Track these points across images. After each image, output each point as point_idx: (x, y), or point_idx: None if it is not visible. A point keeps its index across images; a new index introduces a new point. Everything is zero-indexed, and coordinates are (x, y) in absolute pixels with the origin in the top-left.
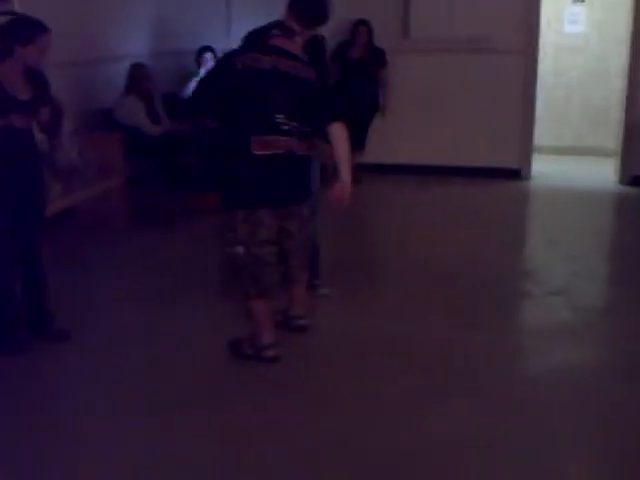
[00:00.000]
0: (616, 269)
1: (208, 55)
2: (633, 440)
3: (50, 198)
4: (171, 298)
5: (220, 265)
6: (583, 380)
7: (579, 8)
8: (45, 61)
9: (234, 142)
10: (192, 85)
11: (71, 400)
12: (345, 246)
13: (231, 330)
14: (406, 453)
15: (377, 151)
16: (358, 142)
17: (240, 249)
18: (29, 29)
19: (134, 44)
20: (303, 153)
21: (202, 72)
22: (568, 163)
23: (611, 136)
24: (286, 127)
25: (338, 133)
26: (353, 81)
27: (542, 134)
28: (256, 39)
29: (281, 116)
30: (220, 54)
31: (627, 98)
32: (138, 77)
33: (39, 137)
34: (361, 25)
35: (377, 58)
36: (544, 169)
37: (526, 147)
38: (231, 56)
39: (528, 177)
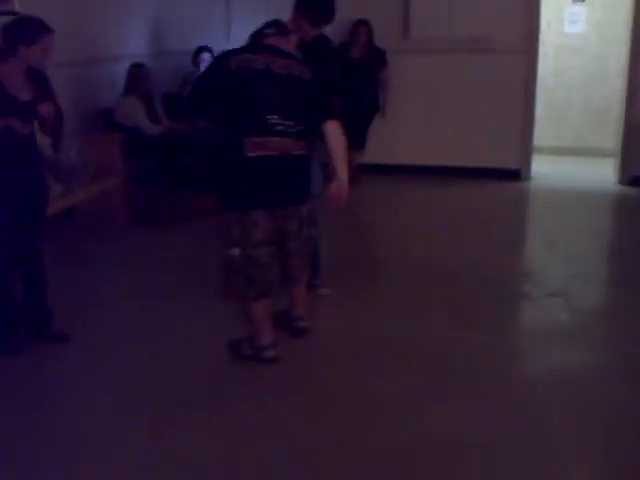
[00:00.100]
0: (615, 271)
1: (205, 55)
2: (633, 440)
3: (50, 198)
4: (172, 296)
5: (219, 266)
6: (582, 381)
7: (579, 8)
8: (48, 61)
9: (228, 143)
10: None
11: (71, 400)
12: (345, 246)
13: (231, 329)
14: (406, 453)
15: (377, 151)
16: (358, 142)
17: (236, 251)
18: (33, 29)
19: (134, 44)
20: (299, 153)
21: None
22: (568, 163)
23: (611, 136)
24: (280, 127)
25: (333, 131)
26: (353, 81)
27: (542, 134)
28: (253, 39)
29: (274, 117)
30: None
31: (627, 98)
32: (138, 77)
33: (41, 140)
34: (361, 25)
35: (377, 58)
36: (544, 169)
37: (526, 147)
38: (225, 57)
39: (528, 177)
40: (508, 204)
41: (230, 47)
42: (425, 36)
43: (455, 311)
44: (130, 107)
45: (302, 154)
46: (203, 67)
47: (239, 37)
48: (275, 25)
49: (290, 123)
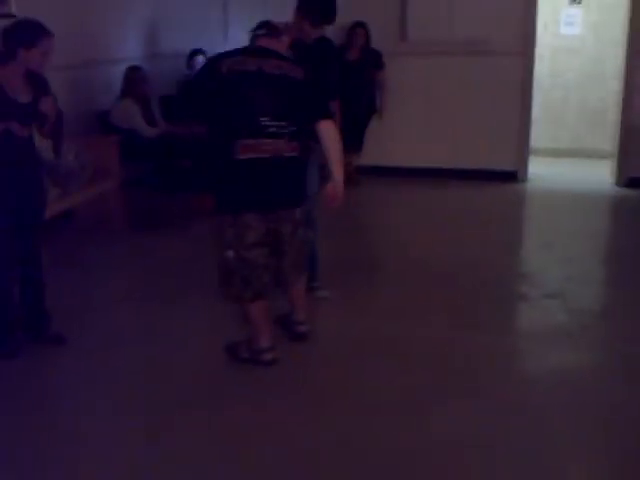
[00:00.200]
0: (612, 272)
1: (200, 58)
2: (632, 440)
3: (48, 201)
4: (169, 299)
5: (217, 267)
6: (581, 381)
7: (575, 10)
8: (47, 65)
9: (219, 146)
10: None
11: (71, 400)
12: (344, 247)
13: (229, 331)
14: (406, 453)
15: (374, 153)
16: (355, 144)
17: (230, 253)
18: (32, 33)
19: (131, 47)
20: (292, 155)
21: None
22: (565, 165)
23: (608, 138)
24: (272, 129)
25: (327, 131)
26: (350, 83)
27: (539, 136)
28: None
29: (266, 118)
30: None
31: (624, 100)
32: (134, 80)
33: (40, 143)
34: (358, 27)
35: (374, 60)
36: (541, 171)
37: (523, 149)
38: (216, 60)
39: (525, 179)
40: (505, 205)
41: (228, 49)
42: (422, 38)
43: (454, 312)
44: (127, 110)
45: (295, 156)
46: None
47: (236, 39)
48: (266, 26)
49: (283, 124)
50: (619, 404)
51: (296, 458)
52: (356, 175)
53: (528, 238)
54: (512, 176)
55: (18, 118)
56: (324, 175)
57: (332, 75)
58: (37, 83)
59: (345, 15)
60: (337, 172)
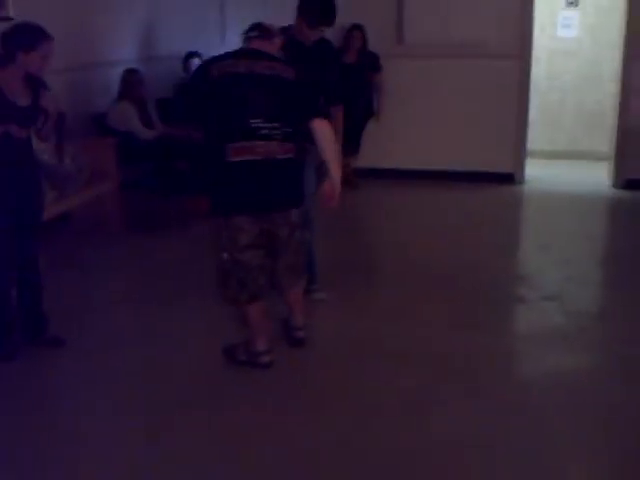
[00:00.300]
0: (610, 273)
1: (196, 61)
2: (631, 440)
3: (45, 203)
4: (168, 300)
5: (215, 270)
6: (579, 383)
7: (572, 12)
8: (47, 68)
9: (212, 148)
10: None
11: (70, 401)
12: (341, 249)
13: (228, 332)
14: (406, 453)
15: (371, 156)
16: (352, 147)
17: (225, 255)
18: (32, 36)
19: (128, 49)
20: (285, 157)
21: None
22: (562, 167)
23: (605, 140)
24: (265, 131)
25: (321, 129)
26: (347, 86)
27: (536, 138)
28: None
29: (258, 120)
30: None
31: (620, 102)
32: (131, 82)
33: (37, 146)
34: (355, 30)
35: (371, 63)
36: (538, 173)
37: (520, 151)
38: (208, 63)
39: (522, 181)
40: (503, 208)
41: (224, 52)
42: (419, 41)
43: (453, 313)
44: (124, 112)
45: (289, 158)
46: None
47: (234, 41)
48: (258, 28)
49: (276, 125)
50: (617, 405)
51: (296, 458)
52: (354, 178)
53: (526, 240)
54: (509, 178)
55: (17, 121)
56: (321, 175)
57: (332, 77)
58: (36, 87)
59: (342, 18)
60: (334, 171)
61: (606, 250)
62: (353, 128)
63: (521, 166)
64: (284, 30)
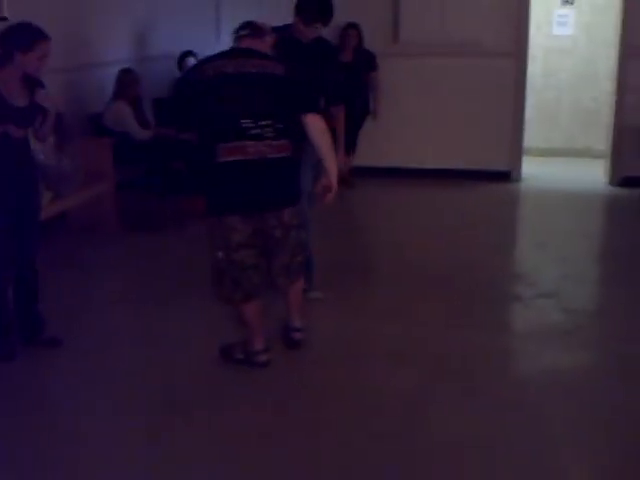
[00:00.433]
0: (606, 271)
1: (191, 60)
2: (630, 438)
3: (42, 204)
4: (165, 300)
5: (210, 268)
6: (577, 381)
7: (568, 10)
8: (44, 68)
9: (204, 149)
10: None
11: (70, 401)
12: (338, 248)
13: (225, 332)
14: (406, 453)
15: (368, 154)
16: (349, 145)
17: (219, 254)
18: (29, 36)
19: (123, 49)
20: (278, 156)
21: None
22: (558, 165)
23: (601, 137)
24: (255, 131)
25: (313, 124)
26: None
27: (532, 136)
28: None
29: (248, 120)
30: None
31: (616, 100)
32: (127, 82)
33: (34, 146)
34: (351, 29)
35: (367, 61)
36: (534, 171)
37: (516, 149)
38: (197, 66)
39: (518, 179)
40: (499, 206)
41: (219, 51)
42: (414, 39)
43: (450, 312)
44: (119, 112)
45: (282, 157)
46: None
47: (229, 41)
48: (249, 27)
49: (268, 123)
50: (615, 403)
51: (296, 458)
52: (350, 178)
53: (522, 238)
54: (506, 176)
55: (15, 121)
56: (319, 173)
57: (331, 76)
58: (34, 87)
59: (337, 16)
60: (330, 165)
61: (603, 248)
62: (349, 127)
63: (517, 164)
64: (278, 29)
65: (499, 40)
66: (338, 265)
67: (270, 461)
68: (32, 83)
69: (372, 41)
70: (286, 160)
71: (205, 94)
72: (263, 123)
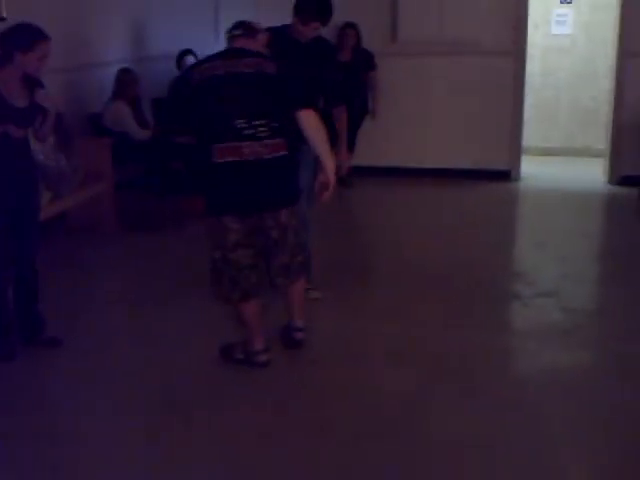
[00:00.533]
0: (606, 270)
1: (190, 58)
2: (629, 437)
3: (41, 204)
4: (164, 300)
5: (208, 268)
6: (576, 380)
7: (566, 10)
8: (44, 69)
9: (199, 150)
10: None
11: (70, 401)
12: (337, 248)
13: (225, 332)
14: (406, 453)
15: (367, 154)
16: (348, 145)
17: (217, 254)
18: (29, 36)
19: (122, 49)
20: (274, 156)
21: None
22: (557, 164)
23: (600, 136)
24: (249, 131)
25: (307, 119)
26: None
27: (531, 135)
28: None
29: (242, 121)
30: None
31: (615, 98)
32: (126, 82)
33: (34, 147)
34: (349, 28)
35: (366, 61)
36: (533, 170)
37: (515, 148)
38: (190, 69)
39: (517, 178)
40: (498, 205)
41: (217, 50)
42: (413, 39)
43: (449, 312)
44: (118, 112)
45: (278, 157)
46: None
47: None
48: (242, 26)
49: (262, 122)
50: (614, 402)
51: (296, 458)
52: (348, 177)
53: (522, 237)
54: (505, 175)
55: (15, 121)
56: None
57: (331, 76)
58: (34, 87)
59: (336, 16)
60: (326, 161)
61: (602, 247)
62: (348, 126)
63: (517, 163)
64: (276, 29)
65: (498, 39)
66: (337, 265)
67: (270, 461)
68: (32, 83)
69: (370, 41)
70: (283, 160)
71: (200, 95)
72: (257, 123)
